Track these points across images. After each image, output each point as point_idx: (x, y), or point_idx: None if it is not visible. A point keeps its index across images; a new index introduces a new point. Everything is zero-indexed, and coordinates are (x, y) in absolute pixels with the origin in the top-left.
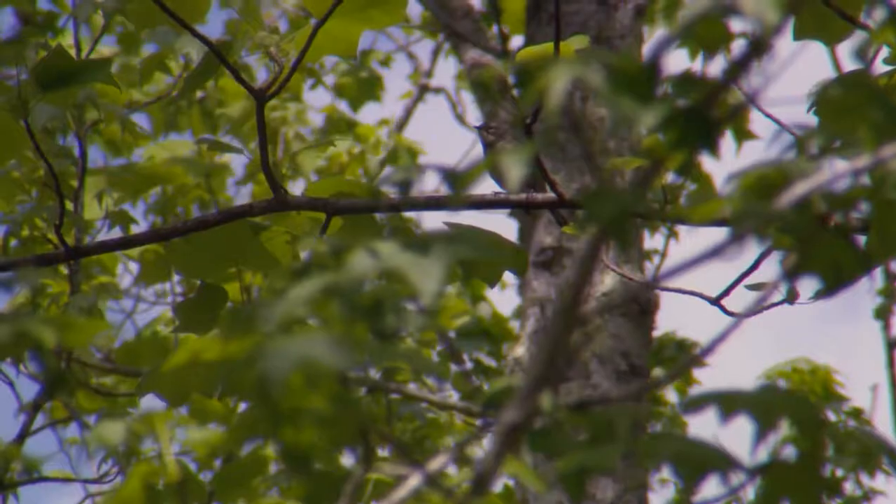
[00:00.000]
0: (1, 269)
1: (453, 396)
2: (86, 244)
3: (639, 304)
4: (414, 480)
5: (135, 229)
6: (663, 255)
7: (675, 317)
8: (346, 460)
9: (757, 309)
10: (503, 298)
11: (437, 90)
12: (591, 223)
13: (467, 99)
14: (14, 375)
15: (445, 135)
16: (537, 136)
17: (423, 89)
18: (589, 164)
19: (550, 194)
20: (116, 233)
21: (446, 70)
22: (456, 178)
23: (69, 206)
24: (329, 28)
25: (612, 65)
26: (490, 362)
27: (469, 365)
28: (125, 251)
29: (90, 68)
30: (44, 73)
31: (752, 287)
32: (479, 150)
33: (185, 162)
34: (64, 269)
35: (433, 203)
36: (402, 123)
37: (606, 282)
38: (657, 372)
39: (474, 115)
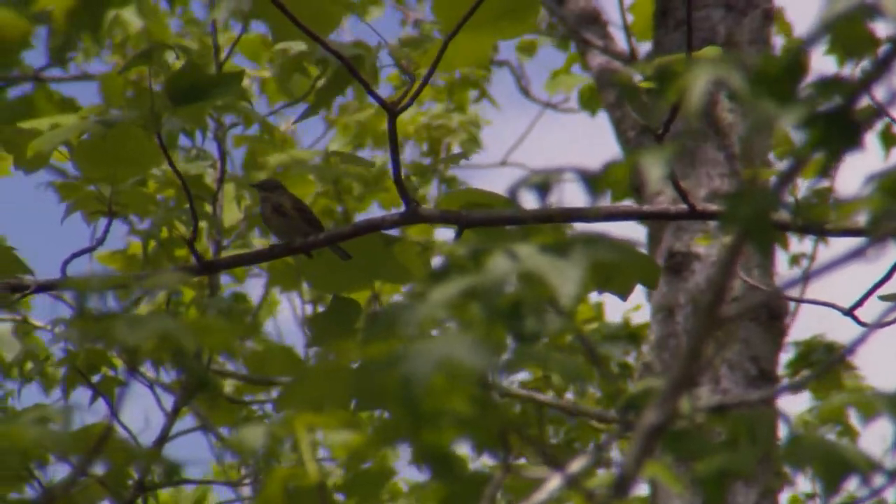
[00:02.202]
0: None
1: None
2: (220, 258)
3: (769, 310)
4: (554, 483)
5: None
6: (812, 258)
7: (820, 318)
8: (487, 463)
9: (890, 320)
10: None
11: (501, 63)
12: (731, 226)
13: (531, 72)
14: (154, 379)
15: (508, 107)
16: (673, 140)
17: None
18: (730, 167)
19: (683, 206)
20: (254, 235)
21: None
22: (594, 180)
23: (208, 208)
24: (460, 40)
25: (753, 66)
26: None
27: (614, 368)
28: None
29: (222, 82)
30: (175, 88)
31: (885, 298)
32: (544, 123)
33: (314, 169)
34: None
35: (568, 215)
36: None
37: (736, 286)
38: (804, 375)
39: (538, 89)
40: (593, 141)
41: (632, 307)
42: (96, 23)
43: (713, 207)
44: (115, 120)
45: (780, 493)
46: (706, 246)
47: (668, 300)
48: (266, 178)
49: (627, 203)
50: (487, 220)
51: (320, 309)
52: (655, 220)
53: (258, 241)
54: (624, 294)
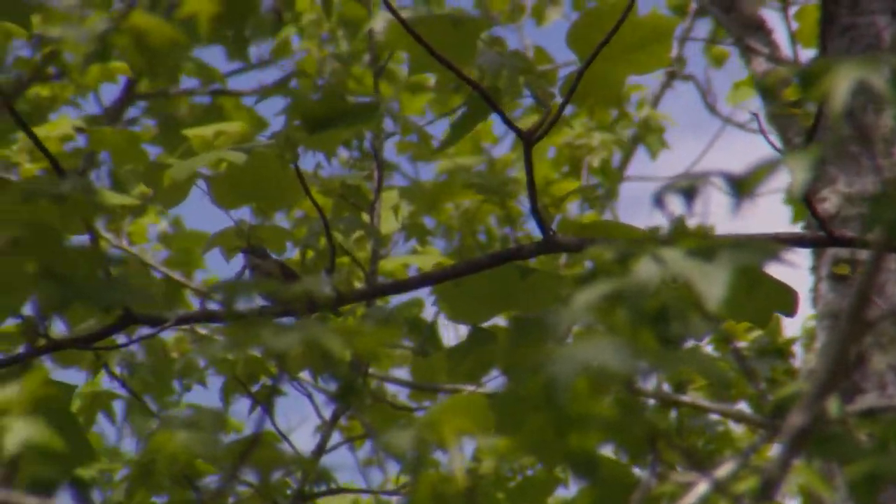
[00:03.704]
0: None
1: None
2: (358, 289)
3: None
4: (702, 487)
5: (430, 242)
6: None
7: None
8: (635, 468)
9: None
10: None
11: (686, 77)
12: (876, 228)
13: (717, 87)
14: (312, 389)
15: (693, 123)
16: (821, 143)
17: (671, 75)
18: (875, 171)
19: (820, 233)
20: (412, 245)
21: (696, 58)
22: (741, 183)
23: (366, 217)
24: (594, 71)
25: None
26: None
27: (762, 380)
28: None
29: (358, 111)
30: (311, 116)
31: None
32: (727, 138)
33: (479, 175)
34: (357, 283)
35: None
36: (655, 100)
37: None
38: None
39: (723, 104)
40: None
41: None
42: (241, 29)
43: (850, 234)
44: (250, 148)
45: None
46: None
47: (834, 306)
48: (253, 244)
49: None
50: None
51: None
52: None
53: (423, 250)
54: (762, 323)
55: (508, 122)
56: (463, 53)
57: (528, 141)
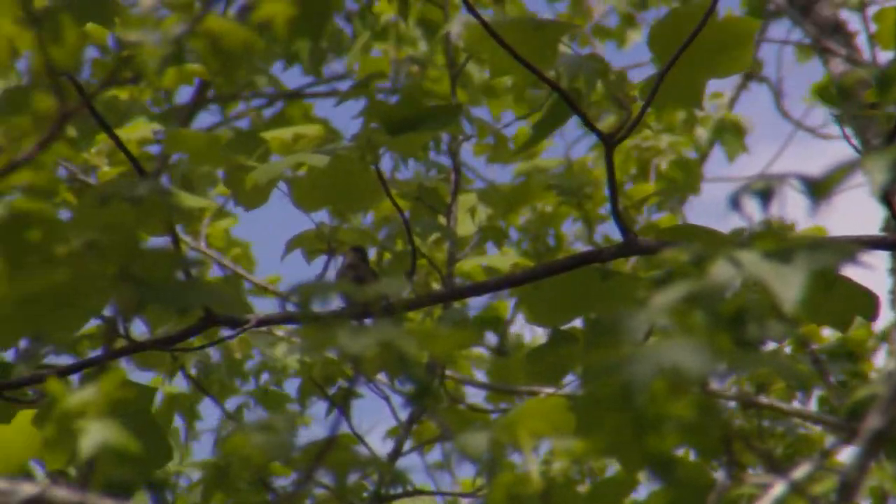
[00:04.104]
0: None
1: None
2: (437, 291)
3: None
4: (778, 489)
5: (507, 245)
6: None
7: None
8: (712, 469)
9: None
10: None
11: (761, 79)
12: None
13: (791, 92)
14: (389, 391)
15: (765, 128)
16: None
17: (747, 77)
18: None
19: None
20: (489, 248)
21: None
22: (818, 185)
23: (443, 220)
24: (674, 75)
25: None
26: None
27: (833, 381)
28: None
29: (439, 114)
30: (392, 119)
31: None
32: (805, 143)
33: (557, 177)
34: (436, 284)
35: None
36: (730, 103)
37: None
38: None
39: (797, 109)
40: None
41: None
42: (318, 32)
43: None
44: (332, 151)
45: None
46: None
47: None
48: (355, 245)
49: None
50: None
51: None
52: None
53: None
54: (843, 328)
55: (590, 124)
56: (543, 57)
57: (609, 143)
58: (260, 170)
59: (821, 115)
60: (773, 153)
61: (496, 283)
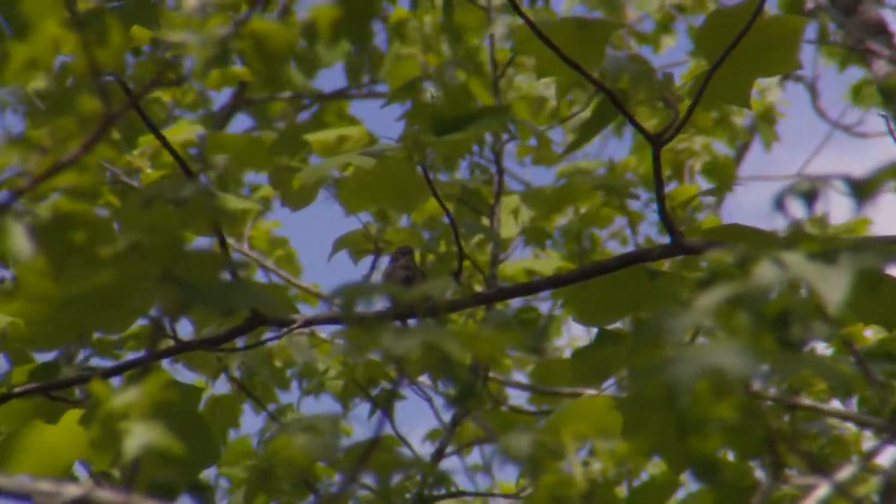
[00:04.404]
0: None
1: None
2: (485, 291)
3: None
4: (822, 490)
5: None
6: None
7: None
8: (755, 471)
9: None
10: None
11: (797, 79)
12: None
13: (827, 92)
14: (431, 392)
15: (800, 126)
16: None
17: (783, 77)
18: None
19: None
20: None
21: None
22: (862, 186)
23: (486, 221)
24: (721, 74)
25: None
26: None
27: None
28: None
29: (488, 114)
30: (437, 120)
31: None
32: (843, 144)
33: (597, 180)
34: (479, 287)
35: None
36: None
37: None
38: None
39: (834, 109)
40: None
41: None
42: (363, 35)
43: None
44: (379, 152)
45: None
46: None
47: None
48: (402, 245)
49: None
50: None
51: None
52: None
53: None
54: (890, 326)
55: (636, 125)
56: (589, 57)
57: (656, 143)
58: (307, 170)
59: (856, 114)
60: (808, 153)
61: (544, 282)
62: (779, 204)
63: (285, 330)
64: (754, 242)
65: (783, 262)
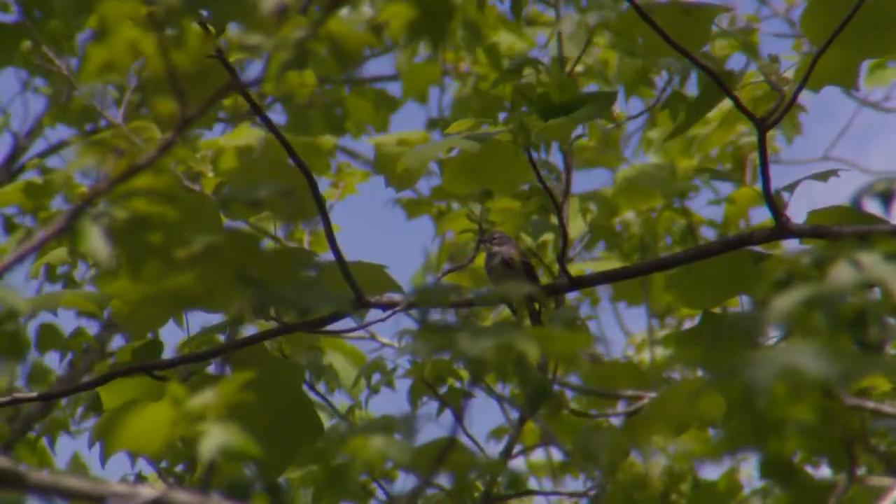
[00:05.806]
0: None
1: None
2: (584, 275)
3: None
4: None
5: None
6: None
7: None
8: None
9: None
10: None
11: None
12: None
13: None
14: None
15: (821, 105)
16: None
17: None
18: None
19: None
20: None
21: None
22: None
23: (554, 220)
24: (827, 56)
25: None
26: None
27: None
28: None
29: (592, 100)
30: (545, 103)
31: None
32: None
33: (661, 182)
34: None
35: None
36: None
37: None
38: None
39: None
40: None
41: None
42: (439, 35)
43: None
44: (486, 136)
45: None
46: None
47: None
48: (495, 230)
49: None
50: (861, 235)
51: (667, 323)
52: None
53: (603, 255)
54: None
55: (742, 108)
56: (694, 40)
57: (762, 127)
58: (410, 154)
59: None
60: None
61: (647, 266)
62: (856, 203)
63: (390, 312)
64: (861, 223)
65: (860, 263)
